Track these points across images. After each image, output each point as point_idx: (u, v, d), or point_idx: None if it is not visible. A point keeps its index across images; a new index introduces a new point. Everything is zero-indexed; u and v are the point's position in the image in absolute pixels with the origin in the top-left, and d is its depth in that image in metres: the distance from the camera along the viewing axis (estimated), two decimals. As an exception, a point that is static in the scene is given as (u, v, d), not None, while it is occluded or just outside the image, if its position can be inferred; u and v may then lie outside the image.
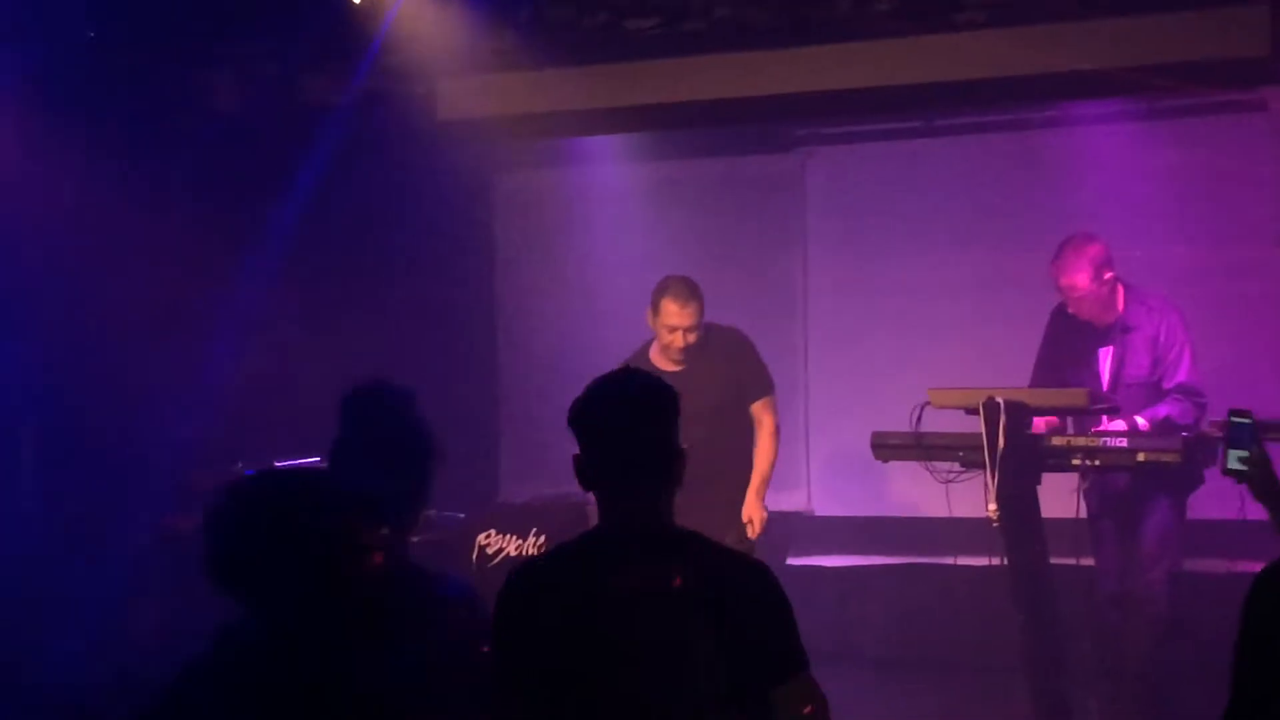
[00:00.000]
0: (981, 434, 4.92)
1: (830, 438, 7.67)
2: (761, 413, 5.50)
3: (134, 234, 6.19)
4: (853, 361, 7.65)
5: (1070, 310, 5.51)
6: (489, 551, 6.14)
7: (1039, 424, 5.25)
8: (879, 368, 7.43)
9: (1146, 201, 6.86)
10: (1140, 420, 5.26)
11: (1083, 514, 5.48)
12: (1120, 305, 5.48)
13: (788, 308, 7.87)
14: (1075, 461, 5.07)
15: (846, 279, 7.77)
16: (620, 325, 6.25)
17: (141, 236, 6.21)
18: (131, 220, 6.15)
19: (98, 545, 5.93)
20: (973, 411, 4.99)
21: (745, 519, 5.36)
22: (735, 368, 5.45)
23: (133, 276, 6.31)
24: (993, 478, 4.92)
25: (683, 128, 7.48)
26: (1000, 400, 4.93)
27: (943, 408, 5.12)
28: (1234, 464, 3.73)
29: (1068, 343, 5.59)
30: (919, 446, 5.17)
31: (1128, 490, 5.44)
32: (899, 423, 5.18)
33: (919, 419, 5.12)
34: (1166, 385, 5.40)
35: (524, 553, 6.06)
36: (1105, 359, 5.51)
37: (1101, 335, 5.52)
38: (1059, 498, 5.32)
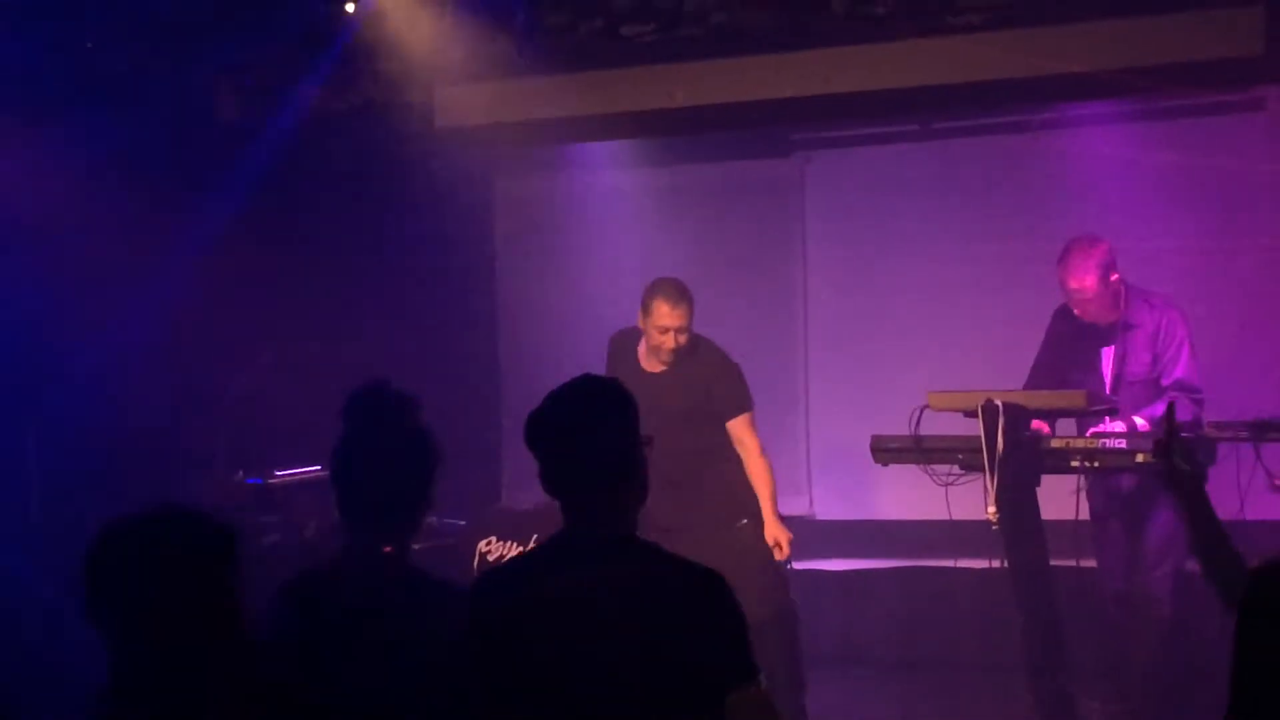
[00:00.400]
0: (980, 436, 4.94)
1: (830, 441, 7.67)
2: (742, 433, 5.44)
3: (131, 242, 6.20)
4: (852, 365, 7.65)
5: (1076, 312, 5.52)
6: (490, 558, 6.15)
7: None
8: (879, 371, 7.43)
9: (1144, 202, 6.87)
10: (1139, 420, 5.27)
11: (1083, 515, 5.48)
12: (1123, 305, 5.50)
13: (787, 312, 7.87)
14: (1074, 463, 5.07)
15: (846, 282, 7.77)
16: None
17: (139, 245, 6.23)
18: (128, 228, 6.15)
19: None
20: (972, 414, 4.99)
21: (771, 543, 5.35)
22: (713, 381, 5.42)
23: (131, 284, 6.32)
24: (992, 480, 4.92)
25: (681, 133, 7.48)
26: (999, 402, 4.94)
27: (942, 410, 5.12)
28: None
29: (1071, 344, 5.61)
30: (918, 449, 5.17)
31: (1132, 490, 5.45)
32: (899, 426, 5.19)
33: (918, 422, 5.13)
34: (1165, 382, 5.42)
35: (525, 559, 6.07)
36: (1107, 358, 5.54)
37: (1104, 335, 5.54)
38: (1058, 499, 5.33)
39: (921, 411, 5.12)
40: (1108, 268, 5.41)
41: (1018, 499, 5.04)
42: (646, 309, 5.43)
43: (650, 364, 5.48)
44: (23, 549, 6.01)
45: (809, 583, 7.16)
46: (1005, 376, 5.66)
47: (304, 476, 6.27)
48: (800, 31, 6.46)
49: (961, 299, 7.44)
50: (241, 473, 6.30)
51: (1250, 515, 4.63)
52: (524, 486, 7.79)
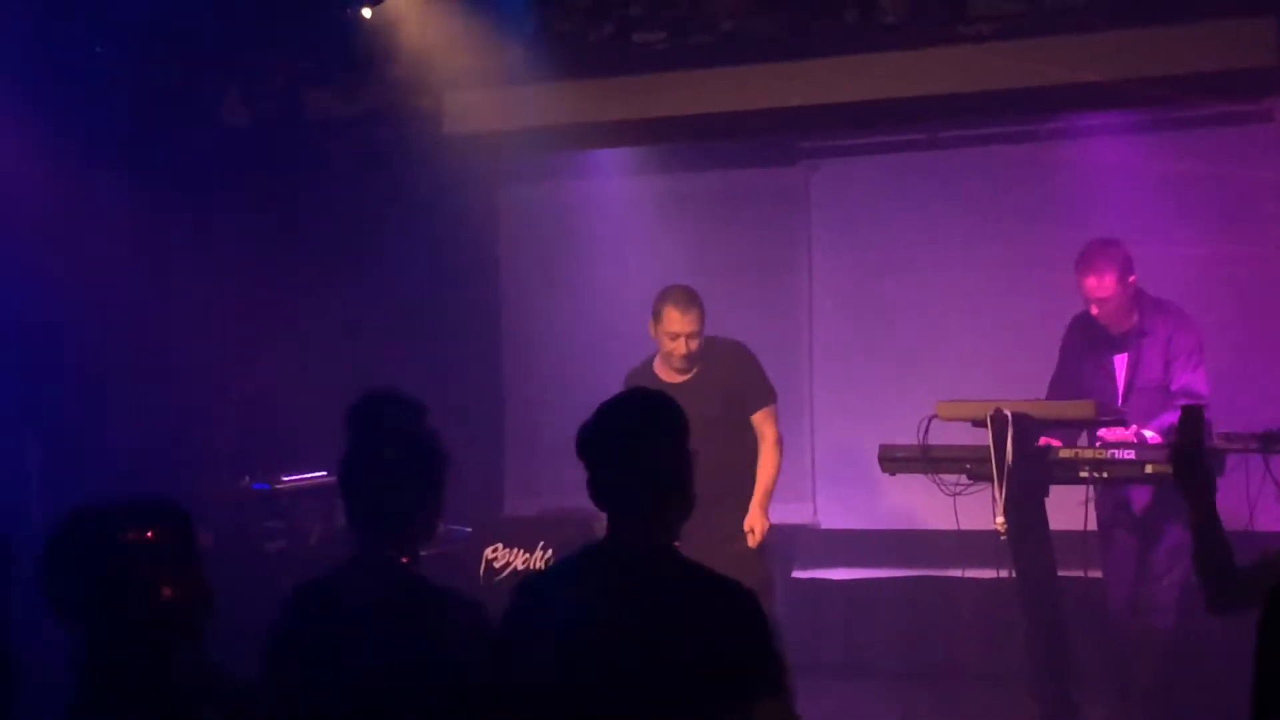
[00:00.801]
0: (989, 446, 4.92)
1: (836, 450, 7.65)
2: (763, 424, 5.50)
3: (141, 247, 6.20)
4: (859, 374, 7.63)
5: (1094, 313, 5.51)
6: (496, 565, 6.14)
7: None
8: (885, 380, 7.42)
9: (1153, 213, 6.84)
10: (1148, 433, 5.26)
11: (1091, 526, 5.47)
12: (1137, 312, 5.49)
13: (793, 320, 7.85)
14: (1083, 474, 5.05)
15: (852, 291, 7.75)
16: (626, 338, 6.24)
17: (148, 250, 6.23)
18: (138, 233, 6.16)
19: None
20: (980, 424, 4.98)
21: (747, 528, 5.36)
22: (736, 378, 5.46)
23: (136, 287, 6.31)
24: (1000, 490, 4.91)
25: (689, 141, 7.48)
26: (1008, 412, 4.92)
27: (950, 420, 5.11)
28: None
29: (1084, 354, 5.62)
30: (926, 459, 5.16)
31: (1140, 500, 5.44)
32: (906, 435, 5.17)
33: (926, 431, 5.11)
34: (1173, 387, 5.42)
35: (531, 566, 6.06)
36: (1121, 365, 5.55)
37: (1117, 342, 5.54)
38: (1066, 509, 5.31)
39: (930, 420, 5.10)
40: (1126, 268, 5.42)
41: (1026, 509, 5.02)
42: (657, 316, 5.45)
43: (669, 374, 5.48)
44: (24, 550, 6.00)
45: (814, 592, 7.17)
46: (1011, 386, 5.63)
47: (310, 482, 6.26)
48: (808, 40, 6.47)
49: (968, 308, 7.42)
50: (248, 478, 6.28)
51: (1260, 526, 4.60)
52: (526, 494, 7.84)
